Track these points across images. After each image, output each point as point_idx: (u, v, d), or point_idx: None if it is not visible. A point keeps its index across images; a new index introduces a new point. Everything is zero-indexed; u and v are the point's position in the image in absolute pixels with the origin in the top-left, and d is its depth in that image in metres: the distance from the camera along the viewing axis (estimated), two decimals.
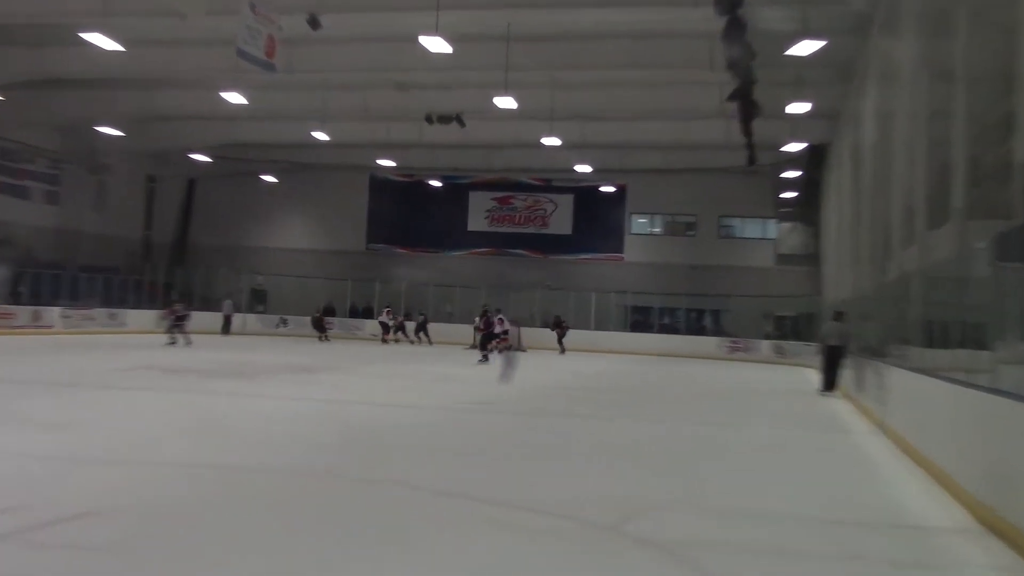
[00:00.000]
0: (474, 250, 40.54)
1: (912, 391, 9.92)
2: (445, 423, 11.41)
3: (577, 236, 39.76)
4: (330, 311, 35.92)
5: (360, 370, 19.81)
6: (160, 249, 39.80)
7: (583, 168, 34.08)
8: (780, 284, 34.95)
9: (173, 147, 35.50)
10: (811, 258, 32.82)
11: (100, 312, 30.64)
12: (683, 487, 7.84)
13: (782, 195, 35.23)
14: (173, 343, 24.39)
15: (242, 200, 40.89)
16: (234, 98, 25.25)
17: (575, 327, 34.06)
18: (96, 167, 34.79)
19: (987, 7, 9.03)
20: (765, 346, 32.74)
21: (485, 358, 23.33)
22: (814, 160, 29.29)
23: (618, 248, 39.31)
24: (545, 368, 21.79)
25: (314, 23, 18.52)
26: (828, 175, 28.43)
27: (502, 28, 20.42)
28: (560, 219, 40.16)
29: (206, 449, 8.42)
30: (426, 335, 33.01)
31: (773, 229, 37.57)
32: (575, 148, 30.87)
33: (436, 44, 18.02)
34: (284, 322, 36.03)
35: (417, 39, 18.21)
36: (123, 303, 32.54)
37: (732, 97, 20.79)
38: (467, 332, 30.73)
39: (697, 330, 36.30)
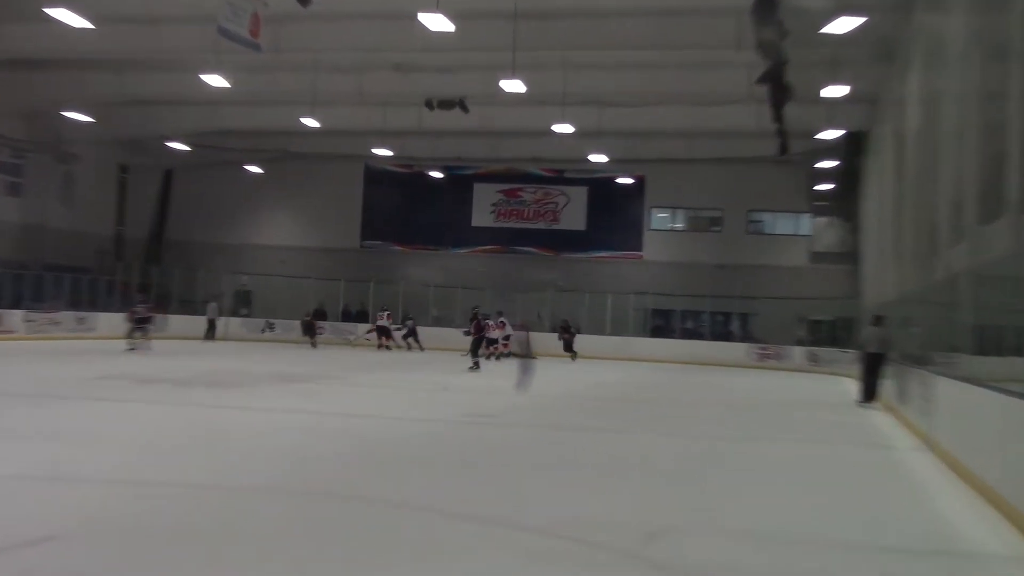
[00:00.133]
0: (478, 248, 40.51)
1: (961, 403, 9.85)
2: (448, 437, 11.38)
3: (591, 232, 39.70)
4: (321, 314, 35.92)
5: (354, 379, 19.78)
6: (133, 246, 39.85)
7: (598, 158, 33.99)
8: (814, 285, 34.82)
9: (148, 134, 35.52)
10: (849, 256, 32.70)
11: (67, 316, 30.62)
12: (706, 506, 7.80)
13: (817, 187, 35.13)
14: (132, 349, 24.39)
15: (224, 193, 40.91)
16: (215, 81, 25.22)
17: (589, 332, 33.98)
18: (63, 156, 34.85)
19: None
20: (798, 353, 32.61)
21: (476, 365, 23.35)
22: (852, 148, 29.18)
23: (636, 245, 39.24)
24: (556, 377, 21.75)
25: None
26: (867, 165, 28.33)
27: (509, 4, 20.36)
28: (573, 214, 40.12)
29: (184, 467, 8.40)
30: (416, 341, 33.08)
31: (807, 224, 37.46)
32: (589, 136, 30.79)
33: (437, 22, 17.99)
34: (271, 326, 36.05)
35: (416, 16, 18.19)
36: (93, 306, 32.50)
37: (762, 80, 20.73)
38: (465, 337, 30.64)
39: (723, 335, 36.20)
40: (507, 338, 31.07)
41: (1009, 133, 9.29)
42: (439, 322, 35.92)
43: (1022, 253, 8.50)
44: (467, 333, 25.14)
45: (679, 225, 39.75)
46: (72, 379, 16.47)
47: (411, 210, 40.78)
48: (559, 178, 40.10)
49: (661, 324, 37.34)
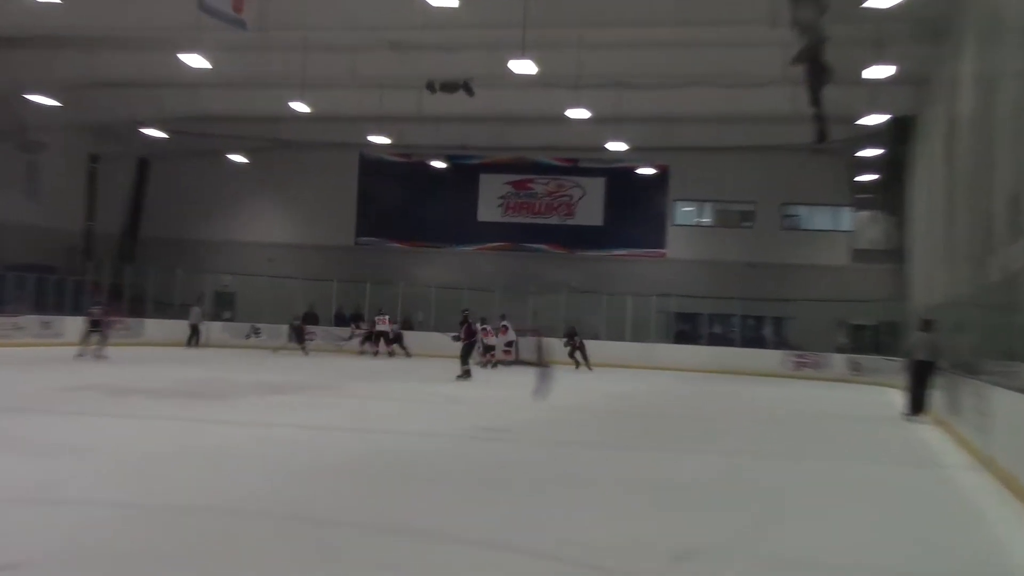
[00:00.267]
0: (485, 245, 40.52)
1: (1020, 416, 9.80)
2: (454, 453, 11.37)
3: (609, 228, 39.68)
4: (312, 318, 35.94)
5: (350, 390, 19.81)
6: (105, 243, 39.89)
7: (617, 146, 33.95)
8: (856, 286, 34.73)
9: (121, 120, 35.58)
10: (894, 254, 32.60)
11: (31, 320, 30.64)
12: (734, 530, 7.78)
13: (859, 178, 35.02)
14: (81, 355, 24.42)
15: (205, 185, 41.00)
16: (195, 61, 25.27)
17: (608, 337, 33.99)
18: (27, 144, 34.89)
19: None
20: (838, 361, 32.53)
21: (466, 373, 23.38)
22: (898, 135, 29.09)
23: (659, 242, 39.21)
24: (571, 388, 21.72)
25: None
26: (915, 153, 28.24)
27: None
28: (589, 207, 40.10)
29: (161, 487, 8.41)
30: (402, 346, 33.19)
31: (848, 219, 37.36)
32: (607, 122, 30.76)
33: None
34: (256, 331, 36.11)
35: None
36: (60, 309, 32.41)
37: (798, 59, 20.66)
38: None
39: (755, 342, 36.11)
40: (509, 344, 31.12)
41: None
42: (423, 326, 35.96)
43: None
44: (456, 338, 24.99)
45: (706, 220, 39.68)
46: (38, 390, 16.49)
47: (411, 204, 40.79)
48: (574, 168, 40.08)
49: (686, 329, 37.26)
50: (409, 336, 34.07)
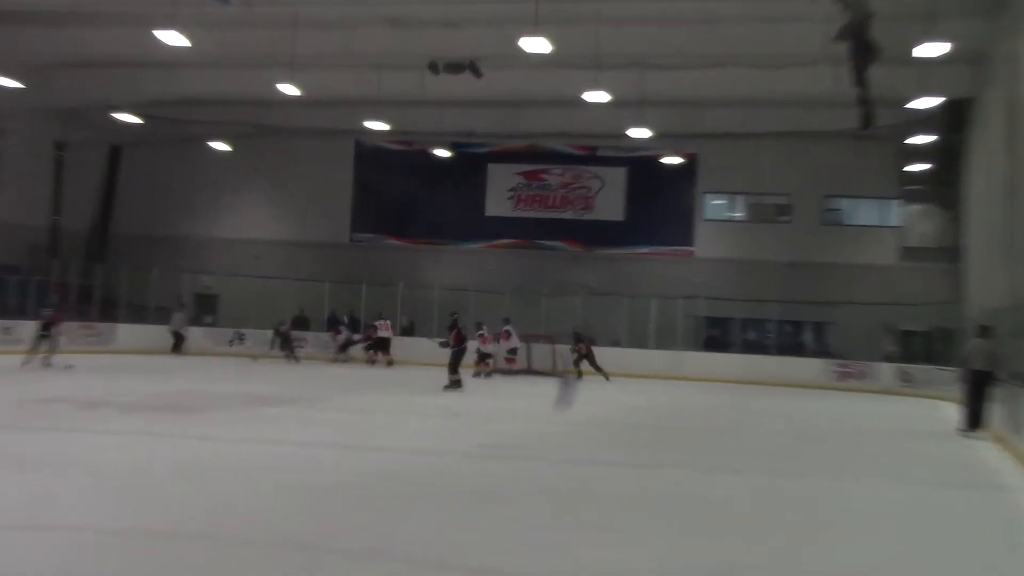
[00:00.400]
0: (494, 242, 40.52)
1: None
2: (460, 473, 11.38)
3: (631, 223, 39.63)
4: (302, 323, 35.95)
5: (341, 402, 19.83)
6: (73, 241, 40.06)
7: (639, 132, 33.90)
8: (906, 287, 34.65)
9: (91, 104, 35.68)
10: (948, 252, 32.54)
11: None
12: (771, 558, 7.78)
13: (909, 168, 34.96)
14: (27, 363, 24.43)
15: (184, 175, 41.08)
16: (173, 39, 25.32)
17: (630, 344, 33.95)
18: None
19: None
20: (886, 371, 32.44)
21: (455, 383, 23.33)
22: (953, 120, 29.03)
23: (686, 239, 39.17)
24: (589, 400, 21.68)
25: None
26: (972, 140, 28.17)
27: None
28: (608, 201, 40.07)
29: (138, 509, 8.43)
30: (385, 353, 33.44)
31: (896, 214, 37.27)
32: (629, 105, 30.71)
33: None
34: (240, 338, 36.14)
35: None
36: (22, 312, 32.42)
37: (841, 36, 20.64)
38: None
39: (793, 349, 36.04)
40: (513, 351, 31.12)
41: None
42: (407, 331, 36.02)
43: None
44: (445, 344, 24.90)
45: (738, 214, 39.62)
46: (2, 404, 16.54)
47: (411, 197, 40.77)
48: (592, 157, 40.06)
49: (716, 335, 37.20)
50: (410, 343, 34.05)
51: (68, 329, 26.28)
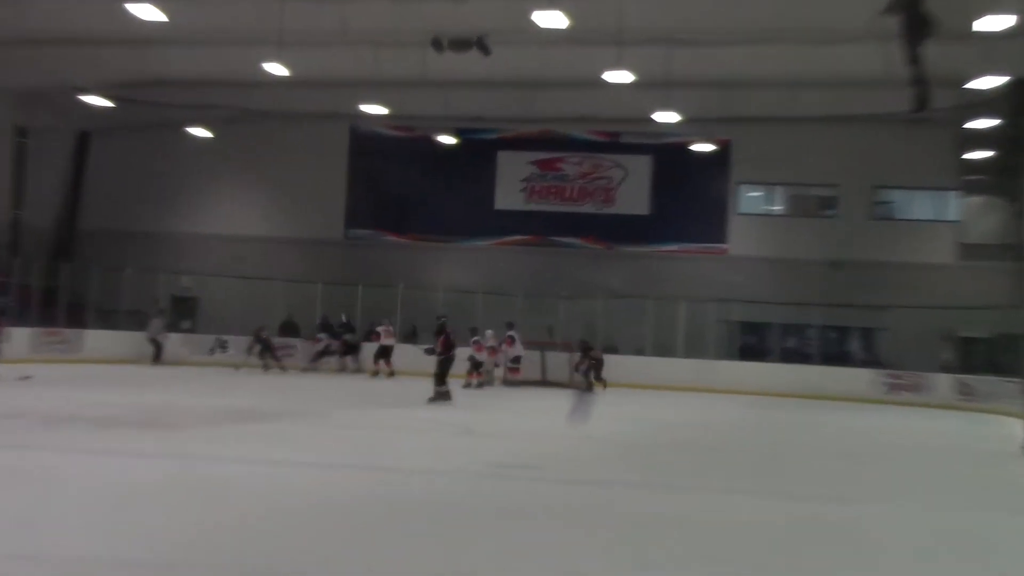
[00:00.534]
0: (504, 239, 40.56)
1: None
2: (471, 497, 11.35)
3: (657, 218, 39.66)
4: (290, 328, 36.02)
5: (333, 416, 19.85)
6: (36, 237, 40.14)
7: (667, 117, 33.89)
8: (965, 289, 34.59)
9: (56, 85, 35.75)
10: (1012, 250, 32.43)
11: None
12: None
13: (968, 155, 34.88)
14: None
15: (160, 165, 41.13)
16: (147, 13, 25.38)
17: (655, 353, 33.93)
18: None
19: None
20: (943, 382, 32.38)
21: (442, 395, 23.21)
22: (1018, 102, 28.97)
23: (719, 236, 39.17)
24: (612, 415, 21.71)
25: None
26: None
27: None
28: (632, 193, 40.08)
29: (109, 536, 8.44)
30: (355, 359, 33.98)
31: (955, 206, 37.20)
32: (655, 87, 30.73)
33: None
34: (222, 345, 36.19)
35: None
36: None
37: (892, 8, 20.62)
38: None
39: (839, 358, 36.02)
40: (516, 360, 31.12)
41: None
42: (410, 338, 36.03)
43: None
44: (430, 351, 24.77)
45: (777, 208, 39.62)
46: None
47: (412, 188, 40.81)
48: (613, 144, 40.09)
49: (752, 343, 37.23)
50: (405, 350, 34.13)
51: (9, 336, 26.19)
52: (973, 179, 35.73)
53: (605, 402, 24.17)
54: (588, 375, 30.40)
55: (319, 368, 34.42)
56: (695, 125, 36.07)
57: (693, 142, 38.02)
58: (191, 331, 38.20)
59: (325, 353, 34.83)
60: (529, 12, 23.25)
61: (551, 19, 22.81)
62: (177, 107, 37.47)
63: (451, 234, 40.97)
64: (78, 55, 33.50)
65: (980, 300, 33.57)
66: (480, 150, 40.68)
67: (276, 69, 29.38)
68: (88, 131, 41.27)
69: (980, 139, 33.10)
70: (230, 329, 36.39)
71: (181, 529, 8.82)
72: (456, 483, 12.24)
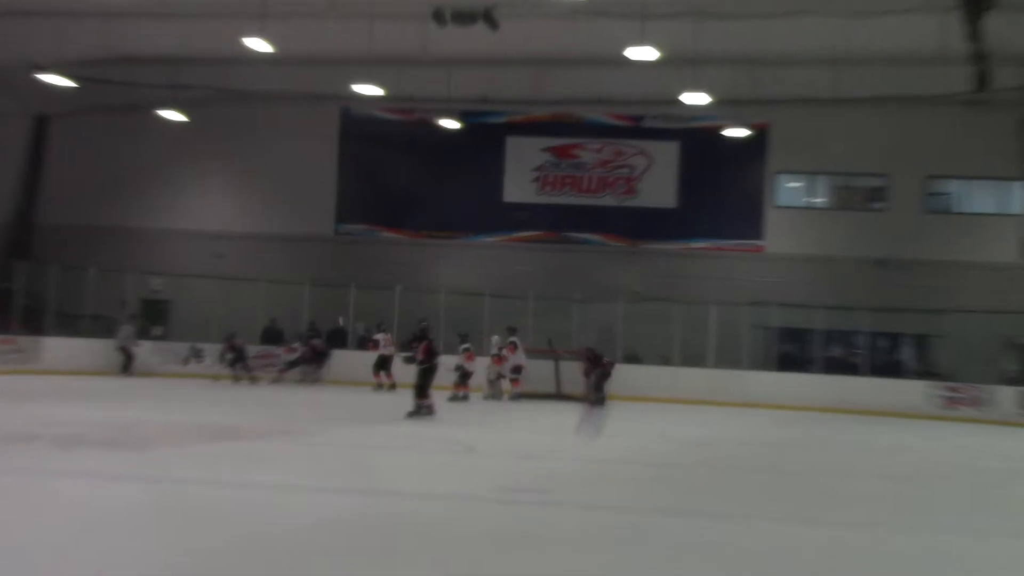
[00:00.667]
0: (514, 235, 40.63)
1: None
2: (474, 525, 11.35)
3: (685, 211, 39.73)
4: (274, 334, 36.06)
5: (321, 433, 19.87)
6: None
7: (696, 98, 33.90)
8: None
9: (11, 63, 35.79)
10: None
11: None
12: None
13: None
14: None
15: (128, 152, 41.26)
16: None
17: (683, 362, 33.93)
18: None
19: None
20: (1006, 396, 32.38)
21: (422, 408, 23.17)
22: None
23: (754, 231, 39.19)
24: (631, 432, 21.74)
25: None
26: None
27: None
28: (657, 183, 40.11)
29: (80, 566, 8.48)
30: (319, 367, 34.36)
31: (1019, 199, 37.16)
32: (682, 64, 30.76)
33: None
34: (197, 354, 36.19)
35: None
36: None
37: None
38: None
39: (889, 369, 36.00)
40: (517, 370, 31.13)
41: None
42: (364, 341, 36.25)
43: None
44: (410, 360, 24.70)
45: (819, 200, 39.61)
46: None
47: (411, 179, 40.88)
48: (636, 129, 40.14)
49: (792, 351, 37.23)
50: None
51: None
52: None
53: (627, 417, 24.20)
54: (600, 387, 30.57)
55: (285, 379, 34.56)
56: (727, 107, 36.12)
57: (725, 127, 38.05)
58: (162, 338, 38.21)
59: (297, 363, 35.03)
60: None
61: None
62: (147, 87, 37.51)
63: (454, 229, 41.04)
64: (36, 29, 33.57)
65: None
66: (487, 136, 40.76)
67: (258, 45, 29.44)
68: (47, 114, 41.33)
69: None
70: (207, 336, 36.32)
71: (150, 559, 8.83)
72: (456, 508, 12.25)
